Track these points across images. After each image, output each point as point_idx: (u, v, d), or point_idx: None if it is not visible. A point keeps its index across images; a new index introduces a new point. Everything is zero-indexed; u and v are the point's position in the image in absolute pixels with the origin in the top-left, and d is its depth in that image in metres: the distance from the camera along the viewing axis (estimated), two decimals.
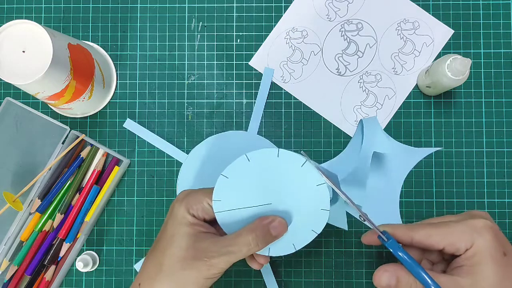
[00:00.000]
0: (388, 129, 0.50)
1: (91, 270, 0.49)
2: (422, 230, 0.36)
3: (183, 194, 0.40)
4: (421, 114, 0.50)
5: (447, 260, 0.38)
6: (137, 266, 0.49)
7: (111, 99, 0.51)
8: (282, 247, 0.38)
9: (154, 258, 0.38)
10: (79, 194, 0.49)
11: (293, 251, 0.38)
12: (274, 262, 0.49)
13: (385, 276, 0.36)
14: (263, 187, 0.38)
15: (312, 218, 0.38)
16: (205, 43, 0.51)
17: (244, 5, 0.52)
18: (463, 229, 0.35)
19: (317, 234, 0.38)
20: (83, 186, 0.50)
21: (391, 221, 0.48)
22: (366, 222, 0.39)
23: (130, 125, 0.51)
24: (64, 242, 0.49)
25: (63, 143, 0.50)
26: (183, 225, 0.38)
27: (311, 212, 0.38)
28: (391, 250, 0.36)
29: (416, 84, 0.50)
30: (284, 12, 0.51)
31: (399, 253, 0.36)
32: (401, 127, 0.50)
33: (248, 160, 0.37)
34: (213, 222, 0.39)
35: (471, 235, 0.35)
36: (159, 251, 0.38)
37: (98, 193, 0.49)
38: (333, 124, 0.50)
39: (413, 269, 0.35)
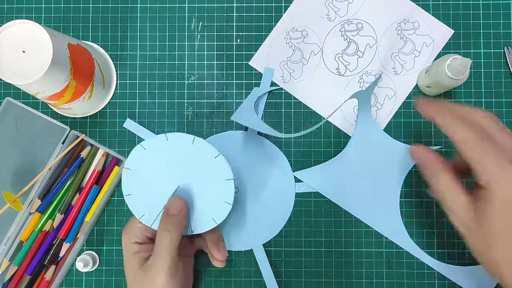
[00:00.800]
0: (388, 129, 0.50)
1: (91, 270, 0.49)
2: (463, 141, 0.35)
3: (123, 230, 0.43)
4: (421, 114, 0.50)
5: None
6: None
7: (111, 99, 0.51)
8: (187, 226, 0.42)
9: None
10: (79, 194, 0.49)
11: (190, 233, 0.42)
12: (274, 262, 0.49)
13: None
14: (172, 173, 0.41)
15: (215, 208, 0.42)
16: (205, 43, 0.52)
17: (244, 5, 0.52)
18: (492, 166, 0.33)
19: (216, 224, 0.42)
20: (83, 186, 0.50)
21: (392, 222, 0.48)
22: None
23: (130, 125, 0.51)
24: (64, 242, 0.49)
25: (63, 143, 0.50)
26: (129, 257, 0.41)
27: (215, 202, 0.41)
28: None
29: (416, 84, 0.50)
30: (284, 12, 0.51)
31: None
32: (401, 127, 0.50)
33: (144, 148, 0.41)
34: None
35: (495, 179, 0.33)
36: (127, 281, 0.42)
37: (98, 193, 0.49)
38: (333, 124, 0.50)
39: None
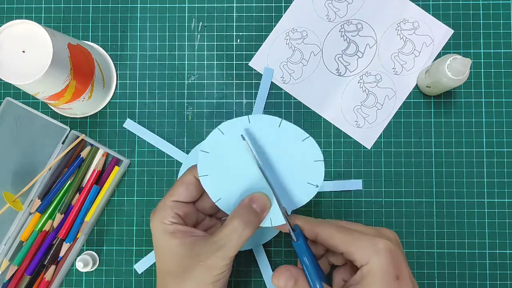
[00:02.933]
0: (388, 129, 0.50)
1: (91, 270, 0.49)
2: (327, 230, 0.36)
3: (152, 212, 0.38)
4: (421, 114, 0.50)
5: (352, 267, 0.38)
6: (137, 266, 0.49)
7: (111, 99, 0.51)
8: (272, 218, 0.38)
9: (159, 284, 0.37)
10: (79, 194, 0.49)
11: (269, 225, 0.38)
12: (275, 262, 0.49)
13: (284, 276, 0.35)
14: (247, 159, 0.37)
15: (300, 191, 0.37)
16: (205, 43, 0.52)
17: (244, 5, 0.52)
18: (364, 244, 0.34)
19: (297, 207, 0.38)
20: (83, 186, 0.50)
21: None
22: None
23: (130, 125, 0.51)
24: (64, 242, 0.49)
25: (63, 143, 0.50)
26: (167, 240, 0.36)
27: (301, 187, 0.37)
28: (296, 251, 0.36)
29: (416, 84, 0.50)
30: (284, 12, 0.51)
31: (304, 259, 0.35)
32: (401, 127, 0.50)
33: (222, 133, 0.37)
34: (193, 223, 0.39)
35: (369, 253, 0.34)
36: (160, 276, 0.37)
37: (98, 193, 0.49)
38: (333, 125, 0.50)
39: (312, 278, 0.35)
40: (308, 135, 0.36)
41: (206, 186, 0.37)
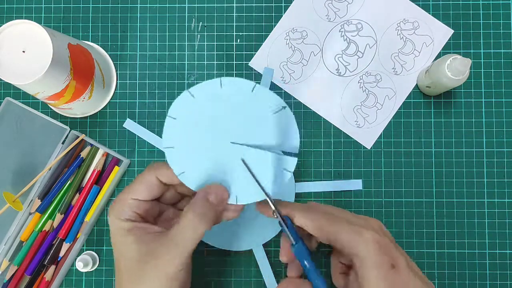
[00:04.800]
0: (388, 129, 0.50)
1: (91, 270, 0.49)
2: (315, 218, 0.35)
3: (110, 207, 0.37)
4: (421, 114, 0.50)
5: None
6: None
7: (111, 99, 0.51)
8: (249, 194, 0.35)
9: (116, 284, 0.36)
10: (79, 194, 0.49)
11: (234, 203, 0.35)
12: (275, 263, 0.49)
13: None
14: (223, 127, 0.34)
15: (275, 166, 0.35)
16: (205, 43, 0.51)
17: (244, 5, 0.52)
18: (350, 235, 0.34)
19: (291, 173, 0.35)
20: (83, 186, 0.50)
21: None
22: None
23: (130, 125, 0.51)
24: (64, 242, 0.49)
25: (63, 143, 0.50)
26: (123, 237, 0.35)
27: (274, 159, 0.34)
28: (295, 254, 0.35)
29: (416, 84, 0.50)
30: (284, 12, 0.51)
31: (305, 262, 0.35)
32: (401, 127, 0.50)
33: (193, 96, 0.34)
34: (153, 217, 0.37)
35: (356, 244, 0.33)
36: (117, 275, 0.36)
37: (98, 193, 0.49)
38: (333, 125, 0.50)
39: (315, 283, 0.34)
40: (285, 104, 0.34)
41: (170, 158, 0.35)
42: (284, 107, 0.34)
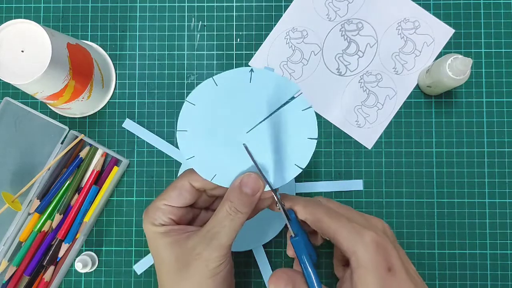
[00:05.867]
0: (389, 129, 0.50)
1: (90, 270, 0.49)
2: (316, 214, 0.35)
3: (144, 213, 0.37)
4: (422, 114, 0.50)
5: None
6: (137, 267, 0.49)
7: (110, 99, 0.51)
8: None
9: (160, 286, 0.36)
10: (78, 194, 0.49)
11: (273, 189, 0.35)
12: (275, 263, 0.49)
13: (282, 280, 0.34)
14: (236, 115, 0.33)
15: (296, 149, 0.34)
16: (205, 42, 0.51)
17: (244, 4, 0.51)
18: (350, 235, 0.33)
19: (302, 170, 0.34)
20: (82, 186, 0.50)
21: None
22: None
23: (129, 125, 0.51)
24: (63, 243, 0.49)
25: (62, 143, 0.50)
26: (159, 240, 0.34)
27: (296, 142, 0.34)
28: (294, 247, 0.34)
29: (417, 84, 0.50)
30: (284, 12, 0.51)
31: (303, 257, 0.34)
32: (402, 127, 0.50)
33: (216, 84, 0.33)
34: (187, 222, 0.37)
35: (355, 245, 0.33)
36: (159, 278, 0.36)
37: (97, 193, 0.49)
38: (334, 124, 0.50)
39: (309, 279, 0.34)
40: (299, 88, 0.33)
41: (196, 167, 0.34)
42: (310, 107, 0.33)
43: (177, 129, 0.34)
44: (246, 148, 0.34)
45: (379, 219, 0.37)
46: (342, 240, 0.34)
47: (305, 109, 0.33)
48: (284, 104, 0.33)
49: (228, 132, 0.34)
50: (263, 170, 0.34)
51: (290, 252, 0.38)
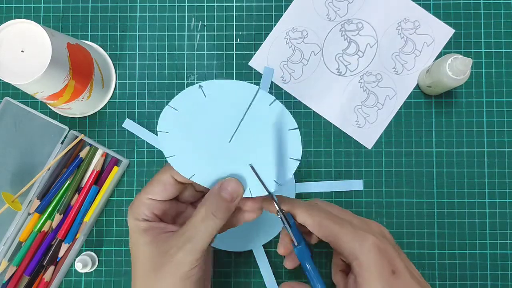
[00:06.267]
0: (389, 129, 0.50)
1: (90, 271, 0.49)
2: (318, 219, 0.35)
3: (129, 207, 0.36)
4: (422, 114, 0.50)
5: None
6: None
7: (110, 99, 0.51)
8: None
9: (133, 284, 0.35)
10: (78, 194, 0.49)
11: (249, 195, 0.35)
12: (275, 263, 0.49)
13: None
14: (219, 124, 0.33)
15: (277, 167, 0.34)
16: (205, 42, 0.51)
17: (244, 4, 0.51)
18: (351, 240, 0.33)
19: (279, 185, 0.34)
20: (82, 186, 0.49)
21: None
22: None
23: (129, 125, 0.51)
24: (63, 243, 0.48)
25: (62, 143, 0.50)
26: (139, 237, 0.34)
27: (277, 159, 0.34)
28: (297, 255, 0.34)
29: (417, 84, 0.50)
30: (284, 12, 0.51)
31: (307, 265, 0.34)
32: (402, 127, 0.50)
33: (205, 96, 0.33)
34: (172, 217, 0.37)
35: (356, 249, 0.33)
36: (133, 274, 0.35)
37: (97, 193, 0.49)
38: (334, 124, 0.50)
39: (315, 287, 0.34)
40: (274, 98, 0.33)
41: (176, 166, 0.34)
42: (274, 100, 0.33)
43: (158, 129, 0.34)
44: (253, 168, 0.34)
45: (377, 223, 0.37)
46: (344, 245, 0.34)
47: (292, 129, 0.33)
48: (249, 106, 0.33)
49: (209, 139, 0.34)
50: (243, 179, 0.34)
51: (282, 250, 0.38)
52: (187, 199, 0.38)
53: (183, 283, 0.33)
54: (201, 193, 0.38)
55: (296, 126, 0.33)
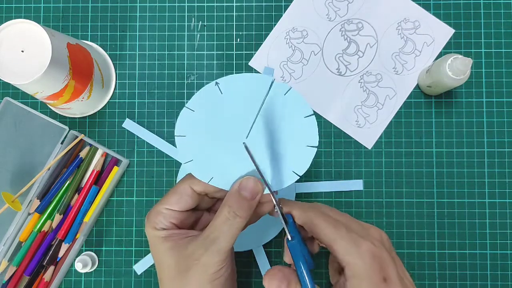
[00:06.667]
0: (389, 129, 0.50)
1: (90, 271, 0.49)
2: (314, 221, 0.35)
3: (146, 217, 0.36)
4: (422, 114, 0.50)
5: None
6: (137, 267, 0.49)
7: (110, 99, 0.51)
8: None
9: None
10: (78, 194, 0.49)
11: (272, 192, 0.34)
12: (275, 263, 0.49)
13: (277, 278, 0.33)
14: (236, 120, 0.33)
15: (295, 156, 0.34)
16: (205, 42, 0.51)
17: (244, 4, 0.51)
18: (347, 245, 0.33)
19: (299, 177, 0.34)
20: (82, 186, 0.49)
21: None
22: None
23: (129, 125, 0.51)
24: (63, 243, 0.48)
25: (62, 143, 0.50)
26: (160, 245, 0.34)
27: (295, 149, 0.33)
28: (290, 250, 0.34)
29: (417, 84, 0.50)
30: (284, 12, 0.51)
31: (298, 260, 0.34)
32: (402, 127, 0.50)
33: (221, 92, 0.33)
34: (190, 225, 0.37)
35: (351, 255, 0.33)
36: (160, 282, 0.35)
37: (97, 193, 0.49)
38: (334, 124, 0.50)
39: (303, 281, 0.34)
40: (290, 86, 0.33)
41: (193, 170, 0.34)
42: (290, 89, 0.33)
43: (176, 134, 0.34)
44: (246, 147, 0.34)
45: (377, 229, 0.37)
46: (338, 249, 0.33)
47: (307, 116, 0.33)
48: (266, 96, 0.33)
49: (227, 138, 0.34)
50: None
51: (287, 258, 0.38)
52: (202, 207, 0.38)
53: (211, 285, 0.33)
54: (215, 199, 0.38)
55: (312, 112, 0.33)
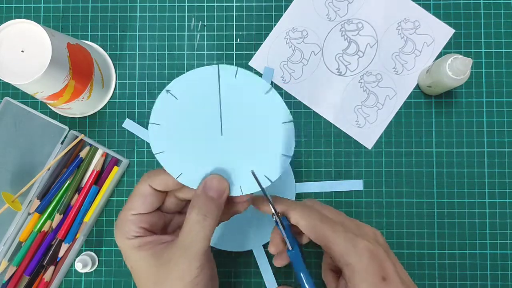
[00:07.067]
0: (389, 129, 0.50)
1: (90, 271, 0.49)
2: (311, 221, 0.35)
3: (115, 227, 0.35)
4: (422, 114, 0.50)
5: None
6: None
7: (110, 99, 0.51)
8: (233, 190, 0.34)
9: None
10: (78, 194, 0.49)
11: (240, 194, 0.34)
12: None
13: None
14: (210, 118, 0.32)
15: (268, 162, 0.32)
16: (205, 42, 0.51)
17: (244, 4, 0.51)
18: (343, 244, 0.33)
19: (270, 183, 0.33)
20: (82, 186, 0.49)
21: None
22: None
23: (129, 125, 0.51)
24: (63, 243, 0.48)
25: (62, 143, 0.50)
26: (135, 254, 0.34)
27: (268, 154, 0.32)
28: (291, 259, 0.34)
29: (417, 84, 0.50)
30: (284, 12, 0.51)
31: (300, 271, 0.34)
32: (402, 127, 0.50)
33: (176, 98, 0.31)
34: (161, 227, 0.36)
35: (348, 254, 0.33)
36: None
37: (97, 193, 0.49)
38: (334, 124, 0.50)
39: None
40: (270, 85, 0.31)
41: (164, 163, 0.33)
42: (270, 89, 0.32)
43: (150, 121, 0.32)
44: (254, 174, 0.33)
45: (371, 227, 0.37)
46: (336, 249, 0.34)
47: (286, 122, 0.32)
48: (219, 88, 0.32)
49: (201, 135, 0.33)
50: (233, 175, 0.33)
51: (273, 249, 0.38)
52: (172, 209, 0.37)
53: None
54: (185, 201, 0.37)
55: (291, 119, 0.32)
